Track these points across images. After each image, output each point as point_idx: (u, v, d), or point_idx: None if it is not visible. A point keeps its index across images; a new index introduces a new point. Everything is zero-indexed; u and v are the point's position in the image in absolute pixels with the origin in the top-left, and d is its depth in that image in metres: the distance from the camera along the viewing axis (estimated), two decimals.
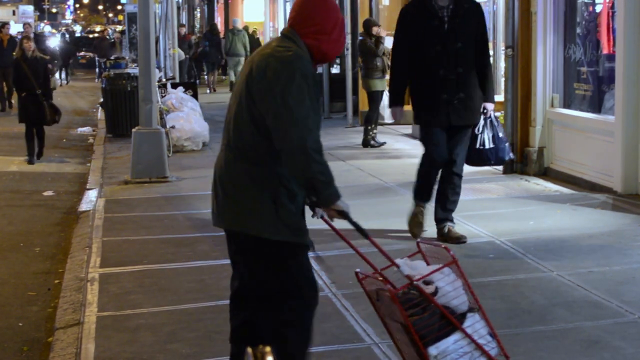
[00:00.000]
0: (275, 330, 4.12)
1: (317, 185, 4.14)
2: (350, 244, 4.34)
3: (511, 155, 8.32)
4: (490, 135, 7.87)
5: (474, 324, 4.22)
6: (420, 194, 7.95)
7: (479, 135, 7.83)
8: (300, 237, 4.20)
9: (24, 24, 27.75)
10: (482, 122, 7.81)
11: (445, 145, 7.72)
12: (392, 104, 7.95)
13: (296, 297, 4.20)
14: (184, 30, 29.11)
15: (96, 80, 32.60)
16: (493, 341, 4.27)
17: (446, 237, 7.73)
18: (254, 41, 26.71)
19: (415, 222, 7.92)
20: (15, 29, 51.63)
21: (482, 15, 7.78)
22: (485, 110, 7.81)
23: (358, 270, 4.42)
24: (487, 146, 7.89)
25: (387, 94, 10.15)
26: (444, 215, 7.87)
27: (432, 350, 4.15)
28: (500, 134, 7.95)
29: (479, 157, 7.95)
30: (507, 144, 8.07)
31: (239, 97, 4.26)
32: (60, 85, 32.41)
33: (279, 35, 4.38)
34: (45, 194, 11.71)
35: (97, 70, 33.92)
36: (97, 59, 34.05)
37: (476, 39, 7.62)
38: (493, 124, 7.88)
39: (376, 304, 4.38)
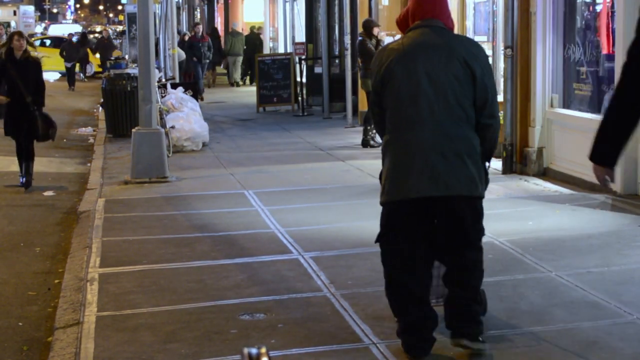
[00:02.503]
0: (467, 262, 5.16)
1: (495, 148, 5.34)
2: None
3: None
4: None
5: None
6: None
7: None
8: None
9: None
10: None
11: None
12: (599, 159, 4.39)
13: (480, 239, 5.23)
14: (200, 29, 25.87)
15: (69, 88, 29.97)
16: None
17: None
18: (257, 39, 28.63)
19: None
20: (67, 29, 50.16)
21: None
22: None
23: None
24: None
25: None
26: None
27: None
28: None
29: None
30: None
31: (450, 78, 5.09)
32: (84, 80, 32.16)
33: (433, 28, 5.23)
34: (46, 194, 11.72)
35: (67, 77, 31.20)
36: (65, 64, 31.37)
37: None
38: None
39: None
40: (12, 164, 13.95)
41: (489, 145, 5.21)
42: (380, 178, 5.36)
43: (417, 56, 5.15)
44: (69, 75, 31.04)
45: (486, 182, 5.22)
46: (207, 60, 25.28)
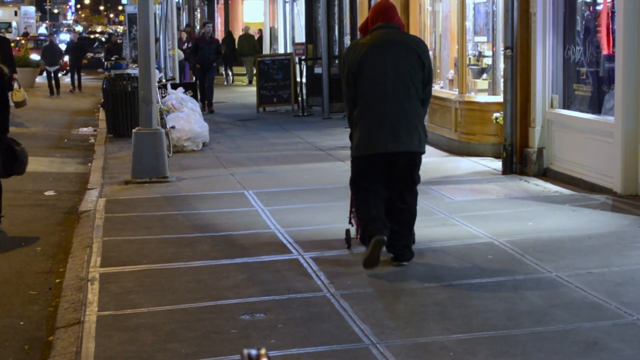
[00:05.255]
0: (408, 199, 7.17)
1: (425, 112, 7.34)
2: None
3: None
4: None
5: None
6: None
7: None
8: None
9: None
10: None
11: None
12: None
13: (417, 185, 7.25)
14: (210, 29, 22.70)
15: (50, 95, 27.76)
16: None
17: None
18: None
19: None
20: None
21: None
22: None
23: None
24: None
25: None
26: None
27: None
28: None
29: None
30: None
31: (407, 66, 6.95)
32: (72, 91, 29.56)
33: (391, 28, 7.09)
34: (47, 193, 11.73)
35: (49, 81, 28.38)
36: (46, 67, 28.75)
37: None
38: None
39: None
40: None
41: (424, 112, 7.18)
42: (350, 138, 7.25)
43: (383, 49, 6.99)
44: (50, 81, 28.30)
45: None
46: (215, 65, 22.21)
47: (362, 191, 7.17)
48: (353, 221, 7.70)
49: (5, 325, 6.53)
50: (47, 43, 30.82)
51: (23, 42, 39.55)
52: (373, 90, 6.97)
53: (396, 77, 6.95)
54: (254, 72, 29.75)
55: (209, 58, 21.18)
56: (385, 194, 7.14)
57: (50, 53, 28.94)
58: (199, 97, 19.43)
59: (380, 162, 7.04)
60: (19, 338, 6.28)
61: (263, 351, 2.84)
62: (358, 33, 7.68)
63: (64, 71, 31.16)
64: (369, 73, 6.99)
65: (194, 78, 22.43)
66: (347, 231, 7.72)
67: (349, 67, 7.10)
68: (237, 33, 33.94)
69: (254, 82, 27.92)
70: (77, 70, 30.15)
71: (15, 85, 18.70)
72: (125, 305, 6.44)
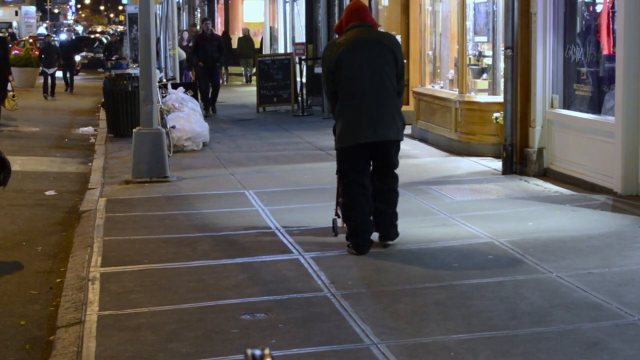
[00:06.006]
0: (391, 182, 7.70)
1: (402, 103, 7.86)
2: None
3: None
4: None
5: None
6: None
7: None
8: None
9: None
10: None
11: None
12: None
13: (396, 168, 7.76)
14: (209, 26, 21.68)
15: (44, 97, 26.52)
16: None
17: None
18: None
19: None
20: None
21: None
22: None
23: None
24: None
25: None
26: None
27: None
28: None
29: None
30: None
31: (382, 61, 7.47)
32: (67, 90, 28.48)
33: (365, 27, 7.60)
34: (48, 193, 11.73)
35: (45, 82, 26.91)
36: (42, 69, 27.32)
37: None
38: None
39: None
40: (14, 164, 13.92)
41: (401, 103, 7.71)
42: (333, 132, 7.69)
43: (358, 47, 7.50)
44: (46, 83, 26.73)
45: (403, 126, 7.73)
46: (218, 64, 21.31)
47: (350, 185, 7.60)
48: (339, 212, 7.99)
49: (6, 325, 6.53)
50: (45, 44, 28.70)
51: (31, 40, 39.31)
52: (352, 86, 7.49)
53: (372, 73, 7.46)
54: (253, 72, 30.23)
55: (211, 55, 20.44)
56: (368, 182, 7.60)
57: (48, 54, 27.25)
58: (199, 98, 19.22)
59: (362, 152, 7.54)
60: (20, 337, 6.28)
61: (267, 351, 2.84)
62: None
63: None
64: (346, 70, 7.49)
65: (194, 78, 22.25)
66: (334, 221, 8.18)
67: (327, 66, 7.61)
68: (237, 33, 34.04)
69: (253, 82, 28.11)
70: (68, 70, 28.74)
71: (10, 88, 18.61)
72: (126, 304, 6.44)
